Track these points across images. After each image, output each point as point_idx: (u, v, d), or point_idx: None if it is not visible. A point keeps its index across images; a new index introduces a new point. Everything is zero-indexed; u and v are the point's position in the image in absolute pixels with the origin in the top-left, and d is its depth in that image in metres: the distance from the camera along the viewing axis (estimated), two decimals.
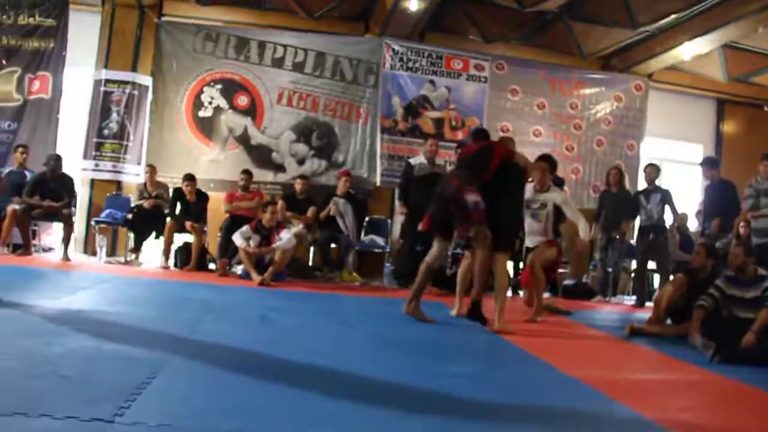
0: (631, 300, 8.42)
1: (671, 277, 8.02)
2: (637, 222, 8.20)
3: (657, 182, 8.10)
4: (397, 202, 8.11)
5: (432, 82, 9.09)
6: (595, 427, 2.78)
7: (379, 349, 3.96)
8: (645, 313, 6.69)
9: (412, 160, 7.93)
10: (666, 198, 7.91)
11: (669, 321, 5.60)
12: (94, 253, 8.07)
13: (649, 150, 9.84)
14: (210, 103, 8.71)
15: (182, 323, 4.09)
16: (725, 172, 9.80)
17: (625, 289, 8.90)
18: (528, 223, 5.98)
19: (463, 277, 5.79)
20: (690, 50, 8.62)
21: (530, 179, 5.88)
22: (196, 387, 2.76)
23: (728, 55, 9.35)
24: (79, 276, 6.28)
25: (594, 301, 8.14)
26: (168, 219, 7.87)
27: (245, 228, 7.20)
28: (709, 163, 8.02)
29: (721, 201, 7.58)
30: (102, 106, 8.38)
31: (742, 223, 7.01)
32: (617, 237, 8.07)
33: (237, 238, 7.13)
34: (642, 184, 8.52)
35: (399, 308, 5.25)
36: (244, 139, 8.78)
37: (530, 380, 3.52)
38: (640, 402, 3.07)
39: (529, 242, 6.13)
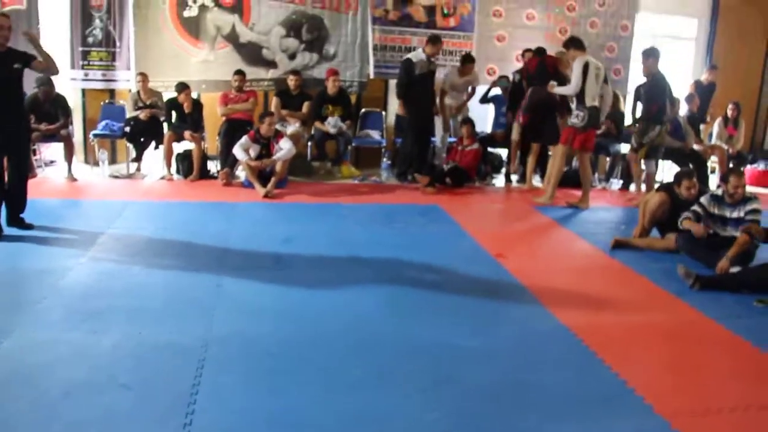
0: (618, 183, 8.86)
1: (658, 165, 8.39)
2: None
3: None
4: (398, 101, 8.20)
5: None
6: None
7: (394, 303, 4.32)
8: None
9: (413, 57, 7.92)
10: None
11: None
12: (95, 164, 8.25)
13: (643, 27, 9.77)
14: (194, 1, 8.52)
15: (205, 284, 4.39)
16: (720, 47, 9.91)
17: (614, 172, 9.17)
18: None
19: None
20: None
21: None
22: (243, 382, 3.07)
23: None
24: (91, 210, 6.51)
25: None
26: (165, 128, 8.00)
27: (244, 139, 7.38)
28: (648, 54, 7.95)
29: (649, 94, 7.70)
30: (82, 12, 8.23)
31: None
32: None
33: (238, 152, 7.33)
34: (635, 65, 8.57)
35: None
36: (232, 38, 8.70)
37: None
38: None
39: None
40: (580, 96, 7.00)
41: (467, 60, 8.61)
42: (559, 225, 6.64)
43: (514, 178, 8.69)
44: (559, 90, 7.27)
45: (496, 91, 8.93)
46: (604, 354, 3.53)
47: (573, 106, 7.14)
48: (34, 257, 4.82)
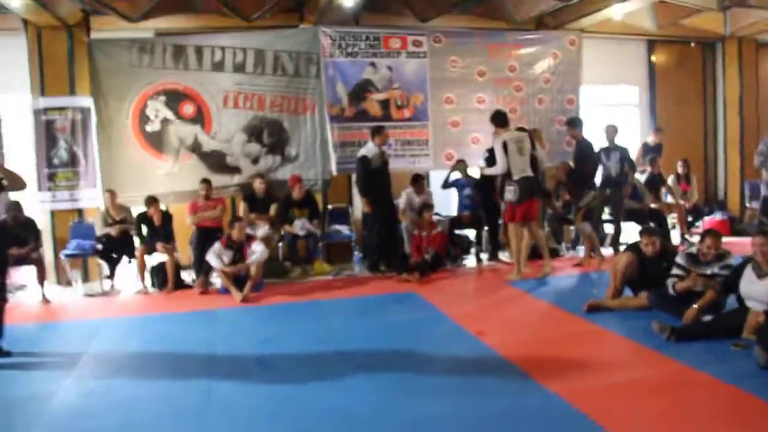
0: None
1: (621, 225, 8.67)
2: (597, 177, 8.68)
3: (616, 141, 8.63)
4: (362, 200, 8.43)
5: (373, 64, 9.25)
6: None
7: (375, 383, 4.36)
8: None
9: (367, 153, 8.23)
10: (624, 156, 8.53)
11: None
12: (68, 283, 8.29)
13: (587, 97, 10.24)
14: (156, 116, 8.75)
15: (194, 392, 4.40)
16: (662, 109, 10.52)
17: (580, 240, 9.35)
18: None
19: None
20: (620, 10, 9.09)
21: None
22: None
23: (658, 8, 9.85)
24: (69, 330, 6.48)
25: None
26: (137, 242, 8.07)
27: (217, 246, 7.46)
28: (571, 124, 8.46)
29: (581, 159, 8.19)
30: (47, 135, 8.40)
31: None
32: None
33: (212, 259, 7.40)
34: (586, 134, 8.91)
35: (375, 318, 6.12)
36: (196, 148, 8.90)
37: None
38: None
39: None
40: (508, 172, 7.32)
41: (416, 180, 8.91)
42: (533, 297, 6.79)
43: (484, 257, 8.85)
44: (488, 171, 7.74)
45: (456, 175, 9.17)
46: (596, 414, 3.62)
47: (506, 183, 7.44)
48: (16, 384, 4.76)
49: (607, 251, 8.76)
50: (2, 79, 8.37)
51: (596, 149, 8.56)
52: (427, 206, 8.47)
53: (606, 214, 9.03)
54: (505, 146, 7.27)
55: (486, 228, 8.91)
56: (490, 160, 8.22)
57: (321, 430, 3.66)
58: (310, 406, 4.04)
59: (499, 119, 7.56)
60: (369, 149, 8.25)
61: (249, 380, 4.56)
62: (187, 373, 4.78)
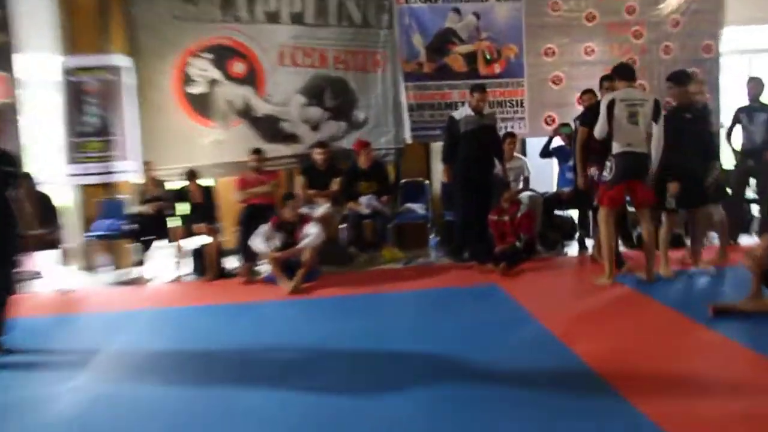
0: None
1: None
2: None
3: (761, 99, 7.83)
4: (442, 166, 7.94)
5: (456, 10, 8.75)
6: None
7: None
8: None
9: (456, 114, 7.73)
10: None
11: None
12: (93, 270, 8.25)
13: (731, 43, 9.29)
14: (202, 76, 8.55)
15: (223, 403, 4.17)
16: None
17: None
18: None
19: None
20: None
21: None
22: None
23: None
24: (88, 325, 6.37)
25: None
26: (173, 223, 7.92)
27: (265, 228, 7.15)
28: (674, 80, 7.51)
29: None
30: (75, 99, 8.22)
31: None
32: None
33: (257, 243, 7.08)
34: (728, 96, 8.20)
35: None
36: (246, 112, 8.58)
37: None
38: None
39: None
40: (608, 142, 6.39)
41: (504, 139, 8.36)
42: (645, 296, 6.12)
43: (589, 244, 8.21)
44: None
45: (558, 141, 8.59)
46: None
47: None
48: (15, 387, 4.60)
49: (753, 240, 7.91)
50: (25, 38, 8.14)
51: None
52: (504, 185, 7.75)
53: (751, 192, 8.23)
54: (611, 107, 6.34)
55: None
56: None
57: None
58: (362, 419, 3.80)
59: (623, 72, 6.62)
60: (461, 111, 7.73)
61: (289, 389, 4.32)
62: (218, 380, 4.52)
